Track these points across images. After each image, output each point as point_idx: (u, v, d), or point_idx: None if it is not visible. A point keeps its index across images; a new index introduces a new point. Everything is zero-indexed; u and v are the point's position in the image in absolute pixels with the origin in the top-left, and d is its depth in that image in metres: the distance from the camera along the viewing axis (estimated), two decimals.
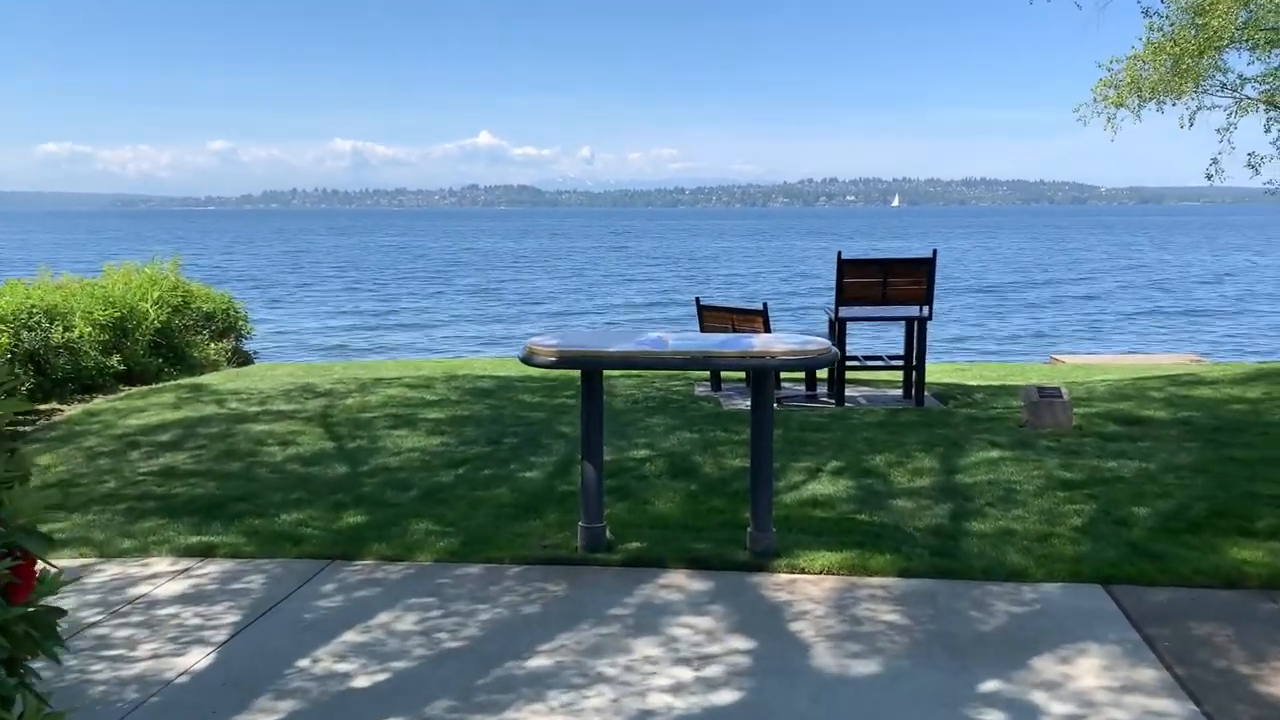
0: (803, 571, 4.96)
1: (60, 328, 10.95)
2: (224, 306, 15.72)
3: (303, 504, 6.24)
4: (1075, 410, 8.39)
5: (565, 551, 5.22)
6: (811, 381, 10.07)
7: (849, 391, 10.11)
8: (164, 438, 8.35)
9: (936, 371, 12.14)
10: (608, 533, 5.33)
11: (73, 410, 10.10)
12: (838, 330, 9.58)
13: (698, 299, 10.49)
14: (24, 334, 10.52)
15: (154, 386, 11.53)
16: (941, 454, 7.25)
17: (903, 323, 9.75)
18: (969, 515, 5.79)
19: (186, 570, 5.07)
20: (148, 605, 4.65)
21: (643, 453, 7.35)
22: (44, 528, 2.21)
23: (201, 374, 13.01)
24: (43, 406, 10.44)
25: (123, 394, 11.01)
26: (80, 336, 11.23)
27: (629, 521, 5.70)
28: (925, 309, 9.55)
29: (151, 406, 9.84)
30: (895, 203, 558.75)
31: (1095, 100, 13.94)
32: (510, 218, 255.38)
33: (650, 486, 6.44)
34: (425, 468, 7.13)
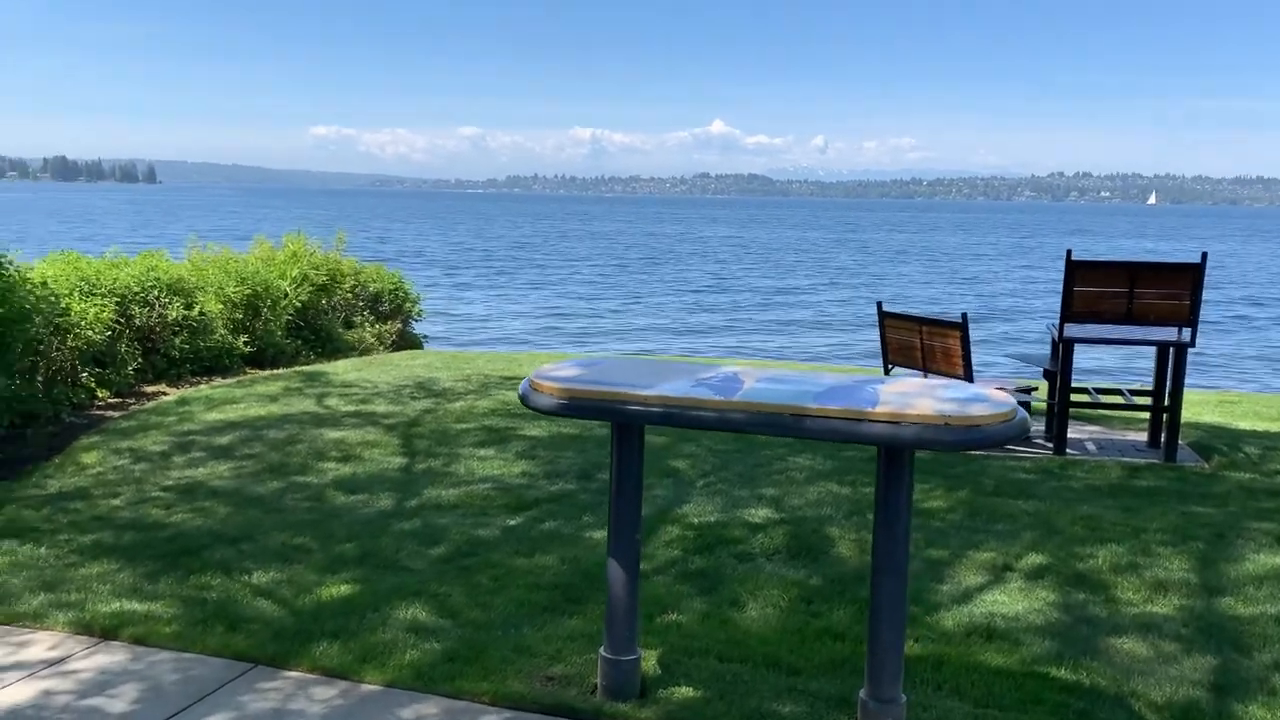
0: None
1: (181, 304, 10.15)
2: (393, 287, 14.85)
3: (295, 557, 4.77)
4: None
5: (575, 693, 3.43)
6: None
7: (1074, 431, 7.78)
8: (223, 440, 7.18)
9: (1193, 403, 9.44)
10: (642, 667, 3.52)
11: (172, 395, 9.22)
12: (1062, 353, 7.30)
13: (879, 304, 8.40)
14: (135, 309, 9.75)
15: (273, 372, 10.58)
16: (1201, 553, 4.94)
17: (1153, 348, 7.34)
18: (1246, 685, 3.58)
19: (58, 663, 3.65)
20: None
21: (761, 514, 5.44)
22: None
23: (340, 358, 12.06)
24: (149, 389, 9.66)
25: (236, 379, 10.09)
26: (203, 314, 10.42)
27: (694, 638, 3.85)
28: (1187, 331, 7.11)
29: (249, 398, 8.80)
30: (1152, 200, 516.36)
31: None
32: (738, 206, 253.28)
33: (751, 574, 4.54)
34: (479, 511, 5.53)
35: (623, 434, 3.33)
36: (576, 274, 41.05)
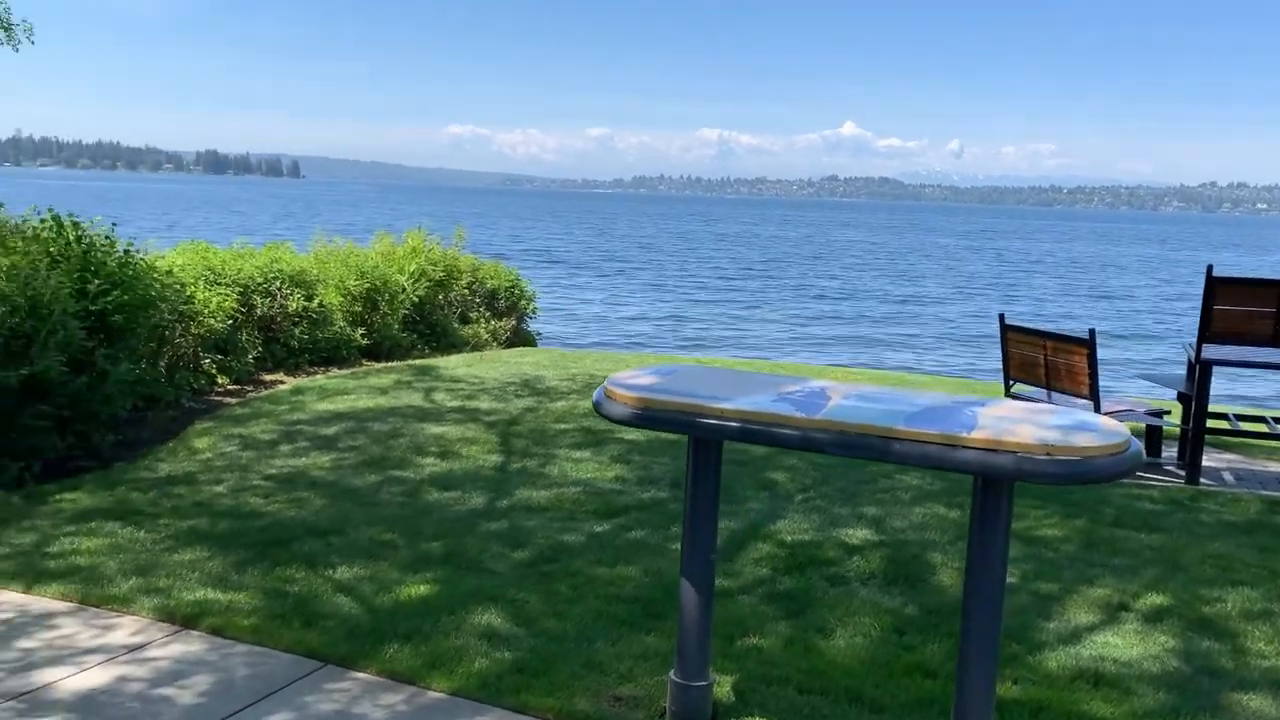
0: None
1: (301, 295, 10.41)
2: (509, 284, 14.98)
3: (380, 553, 4.75)
4: None
5: (642, 717, 3.28)
6: (1152, 439, 7.32)
7: (1209, 460, 7.24)
8: (329, 431, 7.29)
9: None
10: (715, 694, 3.35)
11: (289, 384, 9.45)
12: (1198, 376, 6.80)
13: (1001, 315, 7.99)
14: (257, 299, 10.04)
15: (388, 365, 10.76)
16: None
17: None
18: None
19: (138, 649, 3.69)
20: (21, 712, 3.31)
21: (859, 534, 5.19)
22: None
23: (454, 353, 12.20)
24: (268, 377, 9.93)
25: (351, 371, 10.29)
26: (322, 306, 10.66)
27: (774, 665, 3.66)
28: None
29: (360, 389, 8.94)
30: None
31: None
32: (867, 209, 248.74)
33: (842, 599, 4.31)
34: (568, 515, 5.43)
35: (699, 448, 3.17)
36: (697, 276, 40.83)
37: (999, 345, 8.10)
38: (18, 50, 14.25)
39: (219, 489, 5.84)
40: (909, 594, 4.41)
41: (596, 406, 3.16)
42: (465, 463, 6.51)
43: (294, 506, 5.50)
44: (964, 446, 2.65)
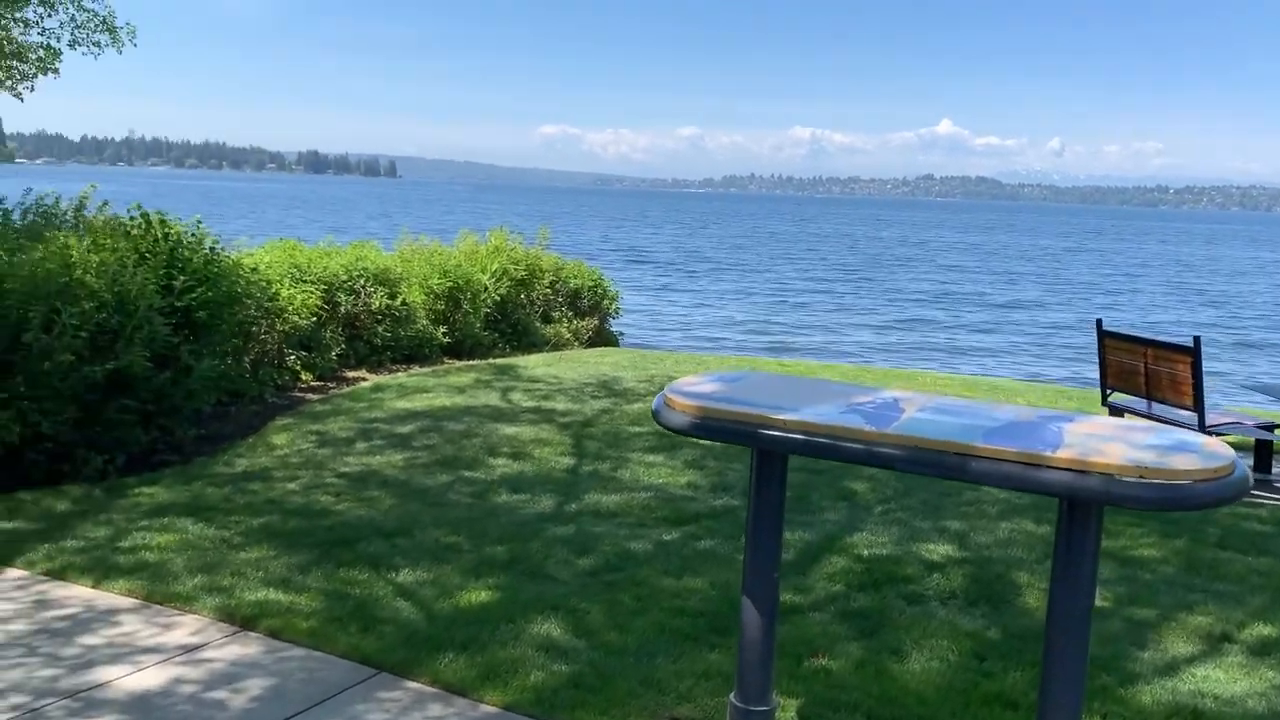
0: None
1: (384, 293, 10.49)
2: (592, 283, 14.93)
3: (445, 556, 4.68)
4: None
5: None
6: (1262, 455, 6.88)
7: None
8: (405, 429, 7.29)
9: None
10: (777, 717, 3.17)
11: (370, 381, 9.52)
12: None
13: (1099, 321, 7.62)
14: (341, 296, 10.14)
15: (468, 363, 10.79)
16: None
17: None
18: None
19: (195, 649, 3.67)
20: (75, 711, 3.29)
21: (941, 550, 4.94)
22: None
23: (535, 352, 12.19)
24: (351, 374, 10.03)
25: (431, 369, 10.33)
26: (405, 304, 10.73)
27: (844, 689, 3.46)
28: None
29: (439, 388, 8.96)
30: None
31: None
32: (963, 209, 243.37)
33: (919, 620, 4.09)
34: (637, 521, 5.30)
35: (763, 460, 3.00)
36: (786, 278, 40.33)
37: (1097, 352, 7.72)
38: (121, 52, 14.76)
39: (292, 486, 5.86)
40: (991, 616, 4.16)
41: (655, 415, 3.02)
42: (537, 464, 6.43)
43: (363, 506, 5.48)
44: (1047, 466, 2.43)
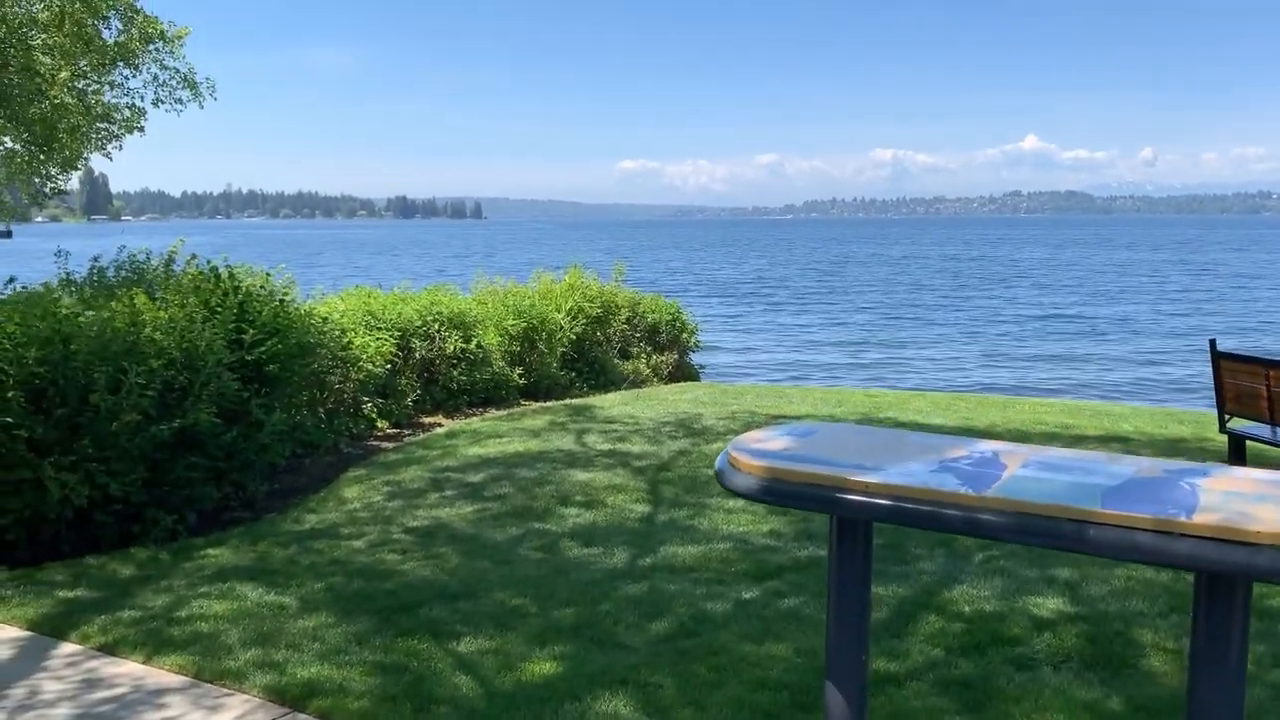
0: None
1: (459, 337, 10.36)
2: (670, 317, 14.67)
3: (509, 621, 4.40)
4: None
5: None
6: None
7: None
8: (476, 478, 7.07)
9: None
10: None
11: (445, 427, 9.37)
12: None
13: (1212, 342, 7.05)
14: (416, 342, 10.04)
15: (544, 405, 10.57)
16: None
17: None
18: None
19: None
20: None
21: (1051, 604, 4.48)
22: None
23: (613, 390, 11.94)
24: (427, 419, 9.90)
25: (507, 411, 10.15)
26: (480, 347, 10.59)
27: None
28: None
29: (513, 432, 8.75)
30: None
31: None
32: (1054, 225, 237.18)
33: (1029, 688, 3.65)
34: (716, 577, 4.95)
35: (843, 529, 2.64)
36: (873, 303, 39.48)
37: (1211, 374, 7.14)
38: (203, 107, 15.03)
39: (358, 544, 5.66)
40: (1111, 683, 3.70)
41: (719, 477, 2.69)
42: (610, 513, 6.13)
43: (429, 564, 5.24)
44: (1183, 535, 2.04)
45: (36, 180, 16.60)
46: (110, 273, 8.45)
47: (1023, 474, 2.40)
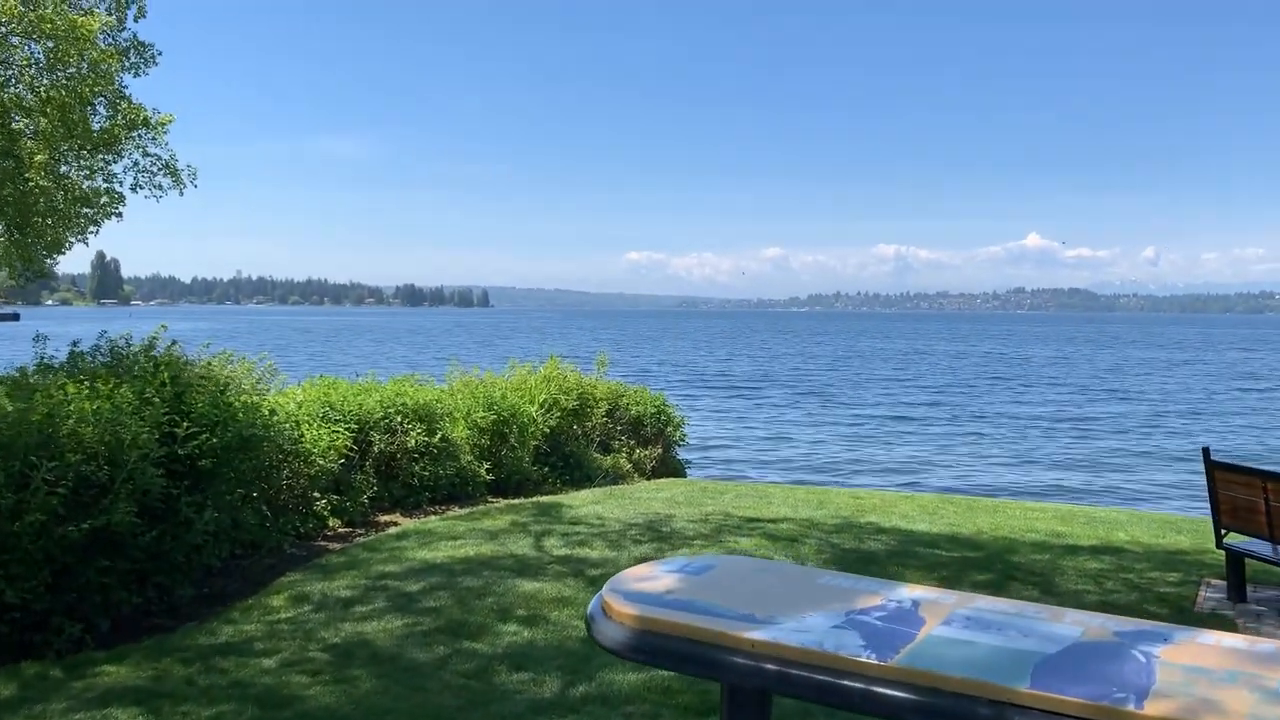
0: None
1: (422, 430, 9.93)
2: (655, 410, 14.26)
3: None
4: None
5: None
6: None
7: None
8: (415, 586, 6.57)
9: None
10: None
11: (399, 527, 8.87)
12: None
13: (1205, 450, 6.60)
14: (375, 435, 9.61)
15: (511, 503, 10.08)
16: None
17: None
18: None
19: None
20: None
21: None
22: None
23: (588, 486, 11.46)
24: (384, 518, 9.40)
25: (469, 510, 9.65)
26: (445, 440, 10.15)
27: None
28: None
29: (470, 534, 8.25)
30: None
31: None
32: (1057, 322, 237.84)
33: None
34: (652, 711, 4.43)
35: (734, 698, 2.17)
36: (874, 400, 38.98)
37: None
38: (183, 194, 14.94)
39: (268, 662, 5.15)
40: None
41: (588, 625, 2.24)
42: (551, 631, 5.62)
43: (337, 689, 4.73)
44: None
45: (19, 264, 16.43)
46: (90, 358, 8.09)
47: (942, 634, 1.95)
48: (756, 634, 1.98)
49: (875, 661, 1.84)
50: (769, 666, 1.94)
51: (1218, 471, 6.39)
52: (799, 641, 1.93)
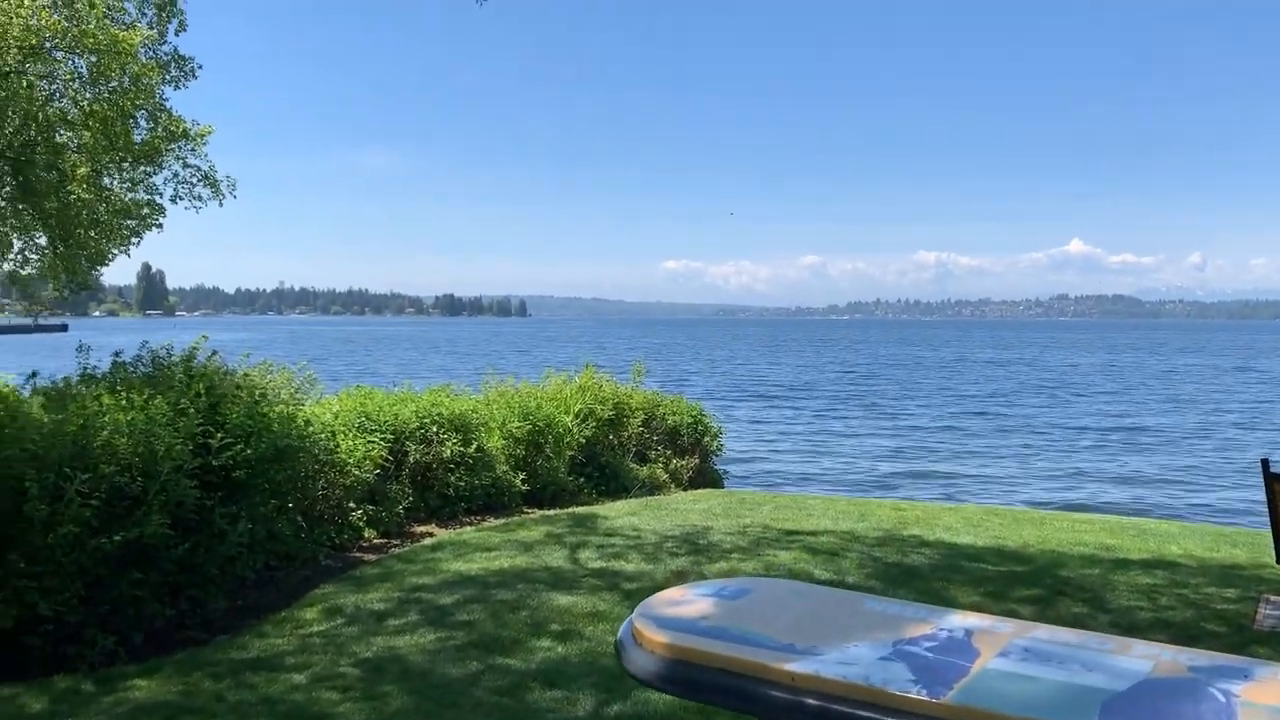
0: None
1: (457, 440, 9.86)
2: (692, 420, 14.09)
3: None
4: None
5: None
6: None
7: None
8: (448, 599, 6.48)
9: None
10: None
11: (435, 538, 8.80)
12: None
13: (1265, 462, 6.34)
14: (411, 445, 9.55)
15: (546, 513, 9.98)
16: None
17: None
18: None
19: None
20: None
21: None
22: None
23: (625, 496, 11.32)
24: (419, 528, 9.33)
25: (504, 521, 9.56)
26: (481, 450, 10.08)
27: None
28: None
29: (505, 545, 8.16)
30: None
31: None
32: (1102, 329, 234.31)
33: None
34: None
35: None
36: (917, 407, 38.47)
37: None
38: (222, 205, 14.98)
39: (299, 678, 5.08)
40: None
41: (618, 650, 2.12)
42: (585, 646, 5.50)
43: (367, 706, 4.64)
44: None
45: (64, 275, 16.64)
46: (131, 368, 8.10)
47: (998, 667, 1.81)
48: (797, 665, 1.86)
49: (927, 699, 1.71)
50: (810, 701, 1.82)
51: (1278, 485, 6.13)
52: (843, 675, 1.81)
